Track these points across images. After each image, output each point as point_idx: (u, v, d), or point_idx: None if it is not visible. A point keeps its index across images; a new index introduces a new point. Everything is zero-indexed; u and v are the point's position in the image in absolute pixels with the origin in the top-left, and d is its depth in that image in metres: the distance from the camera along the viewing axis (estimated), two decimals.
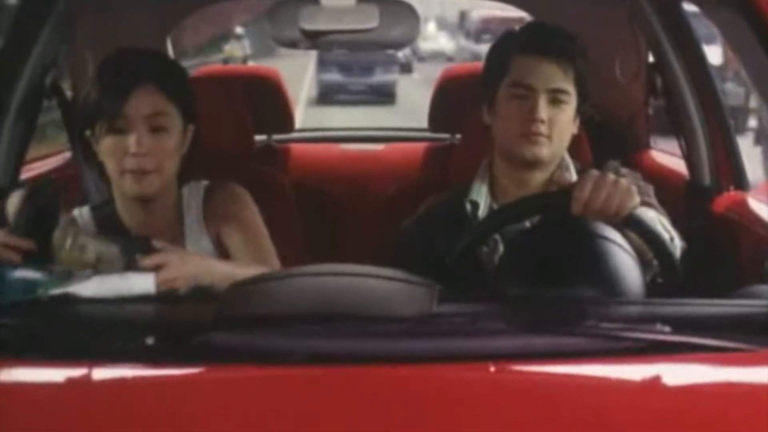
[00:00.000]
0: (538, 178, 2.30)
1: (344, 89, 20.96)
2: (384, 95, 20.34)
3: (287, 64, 17.22)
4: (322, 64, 21.04)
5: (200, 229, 2.26)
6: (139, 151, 2.12)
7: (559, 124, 2.25)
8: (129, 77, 2.14)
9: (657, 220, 2.09)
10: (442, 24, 31.91)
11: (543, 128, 2.22)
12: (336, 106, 19.01)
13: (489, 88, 2.31)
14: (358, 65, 20.73)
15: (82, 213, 2.28)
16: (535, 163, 2.26)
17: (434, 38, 29.74)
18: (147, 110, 2.13)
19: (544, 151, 2.24)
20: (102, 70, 2.21)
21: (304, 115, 17.82)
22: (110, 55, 2.25)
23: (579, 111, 2.30)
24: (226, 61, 22.65)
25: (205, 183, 2.31)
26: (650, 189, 2.28)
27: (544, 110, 2.22)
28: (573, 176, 2.30)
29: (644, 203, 2.10)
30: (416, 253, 2.29)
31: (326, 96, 20.75)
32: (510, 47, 2.31)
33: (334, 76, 21.18)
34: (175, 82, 2.21)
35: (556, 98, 2.24)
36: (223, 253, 2.25)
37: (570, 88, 2.26)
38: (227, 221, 2.26)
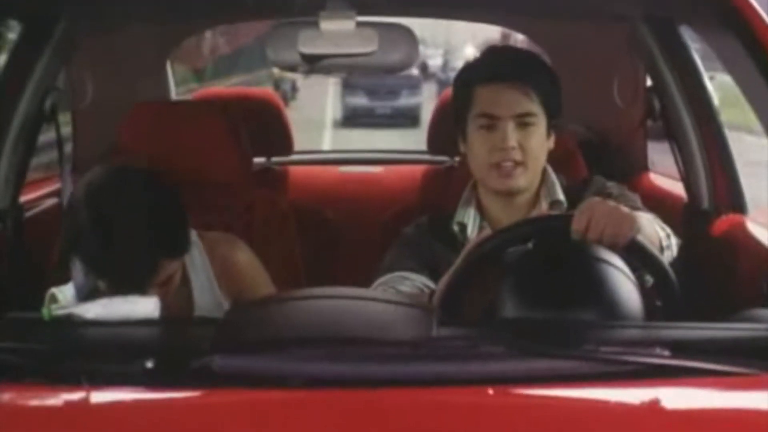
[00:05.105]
0: (522, 199, 2.30)
1: (370, 113, 20.58)
2: (408, 118, 19.84)
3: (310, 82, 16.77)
4: (348, 87, 20.71)
5: (209, 282, 2.26)
6: None
7: (532, 149, 2.24)
8: None
9: (653, 221, 2.11)
10: (480, 47, 31.78)
11: (515, 155, 2.23)
12: (362, 129, 18.75)
13: (459, 120, 2.32)
14: (385, 88, 20.37)
15: None
16: (513, 194, 2.27)
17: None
18: None
19: (520, 181, 2.25)
20: None
21: (332, 138, 17.39)
22: None
23: (552, 126, 2.29)
24: (277, 83, 21.06)
25: (195, 234, 2.23)
26: (637, 198, 2.28)
27: (512, 137, 2.22)
28: (559, 193, 2.30)
29: (634, 209, 2.11)
30: (415, 251, 2.29)
31: (352, 119, 20.41)
32: (471, 78, 2.31)
33: (361, 100, 20.86)
34: None
35: (523, 122, 2.24)
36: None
37: (536, 108, 2.25)
38: (230, 272, 2.28)
